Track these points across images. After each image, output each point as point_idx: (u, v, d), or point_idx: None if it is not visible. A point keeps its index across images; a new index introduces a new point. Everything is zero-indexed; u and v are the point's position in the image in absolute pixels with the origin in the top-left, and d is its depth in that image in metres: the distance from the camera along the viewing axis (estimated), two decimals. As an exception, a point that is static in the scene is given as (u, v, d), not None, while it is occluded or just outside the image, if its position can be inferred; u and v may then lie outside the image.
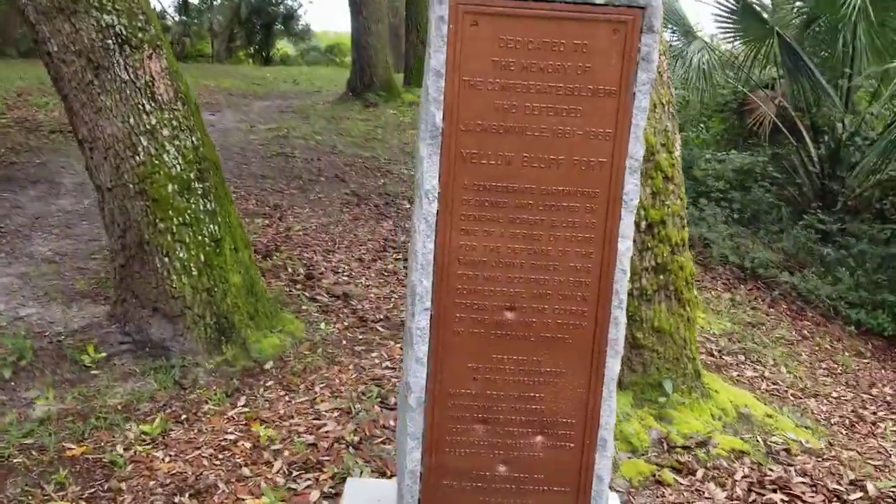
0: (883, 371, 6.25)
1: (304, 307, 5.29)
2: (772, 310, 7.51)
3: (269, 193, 8.20)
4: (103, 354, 4.24)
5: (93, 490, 3.28)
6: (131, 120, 4.24)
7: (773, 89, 10.72)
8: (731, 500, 3.55)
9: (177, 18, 28.15)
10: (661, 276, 4.17)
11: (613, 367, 2.12)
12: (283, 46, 30.37)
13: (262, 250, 6.39)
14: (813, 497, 3.64)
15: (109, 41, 4.16)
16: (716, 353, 5.49)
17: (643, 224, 4.09)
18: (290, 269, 6.03)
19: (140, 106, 4.26)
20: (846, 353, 6.55)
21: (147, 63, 4.28)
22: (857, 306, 7.65)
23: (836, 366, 5.99)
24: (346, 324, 5.11)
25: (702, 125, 11.13)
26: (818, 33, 9.63)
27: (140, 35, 4.26)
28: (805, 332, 6.99)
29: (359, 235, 7.10)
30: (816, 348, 6.51)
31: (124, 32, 4.19)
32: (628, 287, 4.12)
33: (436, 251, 2.04)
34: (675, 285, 4.22)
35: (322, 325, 5.02)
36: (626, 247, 2.05)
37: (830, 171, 9.36)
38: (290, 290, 5.61)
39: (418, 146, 2.01)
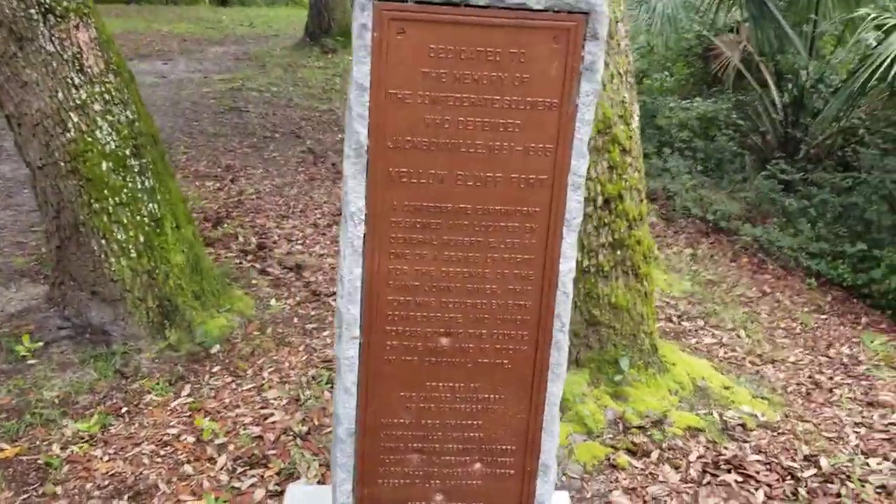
0: (841, 328, 6.27)
1: (254, 281, 5.13)
2: (733, 264, 7.49)
3: (221, 153, 7.92)
4: (40, 344, 4.05)
5: (27, 495, 3.15)
6: (59, 94, 3.98)
7: (738, 33, 10.55)
8: (685, 483, 3.52)
9: (127, -44, 27.00)
10: (619, 252, 4.06)
11: (555, 391, 2.00)
12: (240, -16, 29.31)
13: (213, 217, 6.18)
14: (767, 476, 3.62)
15: (32, 10, 3.87)
16: (675, 318, 5.44)
17: (599, 199, 3.96)
18: (241, 239, 5.83)
19: (68, 79, 3.99)
20: (805, 309, 6.56)
21: (74, 33, 4.00)
22: (818, 257, 7.67)
23: (794, 325, 5.99)
24: (297, 299, 4.96)
25: (666, 72, 10.93)
26: (783, -22, 9.42)
27: (65, 3, 3.96)
28: (766, 287, 6.98)
29: (314, 198, 6.90)
30: (776, 305, 6.50)
31: (48, 1, 3.89)
32: (585, 264, 4.03)
33: (364, 276, 1.89)
34: (633, 260, 4.11)
35: (273, 302, 4.87)
36: (568, 268, 1.92)
37: (794, 119, 9.28)
38: (241, 263, 5.43)
39: (343, 164, 1.83)
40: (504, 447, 2.05)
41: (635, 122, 4.05)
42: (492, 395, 2.01)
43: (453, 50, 1.76)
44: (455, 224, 1.87)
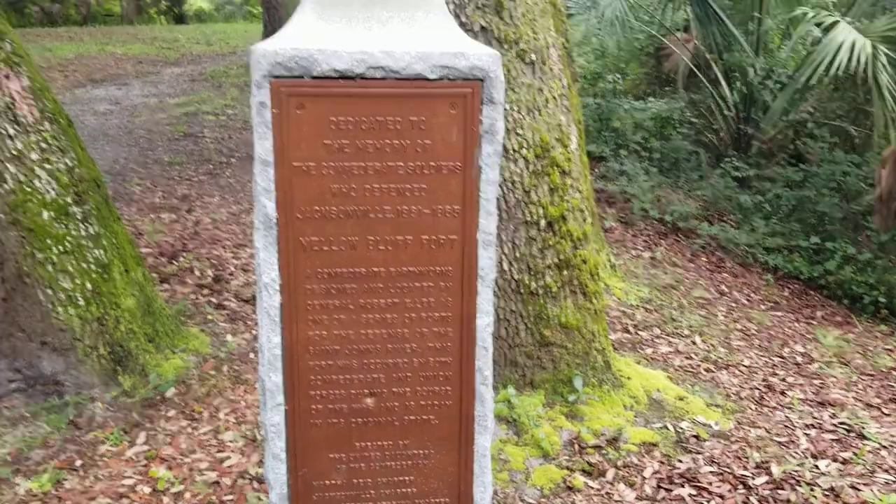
0: (796, 324, 6.38)
1: (210, 317, 5.11)
2: (692, 264, 7.58)
3: (177, 182, 7.88)
4: (-12, 400, 4.01)
5: (-21, 562, 3.12)
6: (-6, 146, 3.94)
7: (687, 32, 10.68)
8: (641, 500, 3.56)
9: (79, -23, 26.70)
10: (566, 272, 4.11)
11: (483, 443, 2.03)
12: (196, 1, 29.16)
13: (168, 252, 6.14)
14: (720, 486, 3.68)
15: (-41, 63, 3.84)
16: (631, 329, 5.50)
17: (542, 222, 4.00)
18: (197, 273, 5.81)
19: (2, 131, 3.95)
20: (762, 307, 6.66)
21: (5, 84, 3.97)
22: (774, 252, 7.80)
23: (750, 325, 6.08)
24: (254, 332, 4.95)
25: (619, 73, 11.03)
26: (727, -23, 9.55)
27: (-6, 54, 3.93)
28: (723, 286, 7.08)
29: (270, 224, 6.87)
30: (734, 305, 6.60)
31: (-25, 53, 3.86)
32: (533, 286, 4.07)
33: (283, 344, 1.90)
34: (580, 279, 4.16)
35: (229, 338, 4.85)
36: (485, 322, 1.95)
37: (745, 115, 9.41)
38: (197, 298, 5.40)
39: (253, 235, 1.85)
40: (437, 501, 2.08)
41: (573, 144, 4.10)
42: (421, 451, 2.03)
43: (353, 121, 1.78)
44: (370, 287, 1.90)
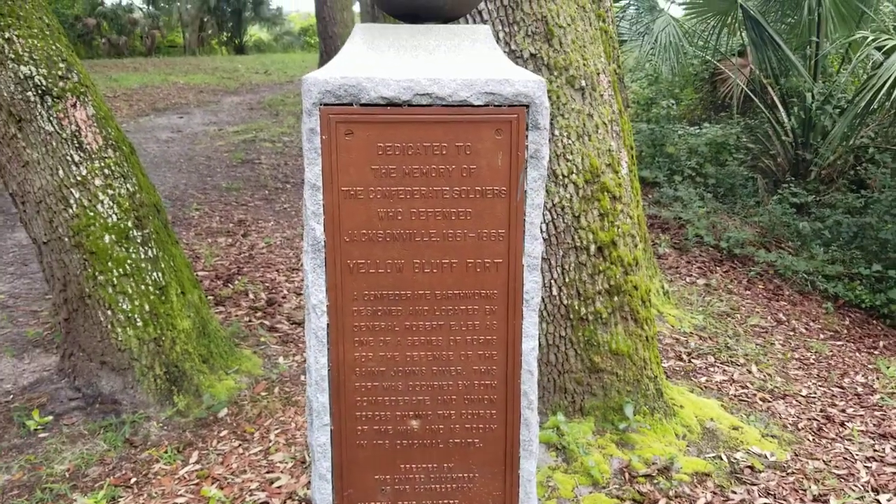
0: (857, 354, 6.19)
1: (262, 339, 5.20)
2: (748, 291, 7.44)
3: (233, 208, 8.06)
4: (49, 418, 4.14)
5: (37, 575, 3.20)
6: (60, 172, 4.10)
7: (742, 56, 10.57)
8: (693, 531, 3.49)
9: (146, 10, 27.68)
10: (616, 298, 4.07)
11: (529, 468, 2.03)
12: (256, 32, 29.93)
13: (224, 275, 6.28)
14: (776, 519, 3.59)
15: (29, 93, 4.01)
16: (685, 356, 5.41)
17: (592, 247, 3.98)
18: (251, 296, 5.92)
19: (68, 157, 4.12)
20: (821, 336, 6.49)
21: (71, 112, 4.13)
22: (834, 280, 7.60)
23: (808, 354, 5.92)
24: (305, 355, 5.01)
25: (673, 99, 10.95)
26: (783, 1, 9.43)
27: (62, 84, 4.10)
28: (781, 315, 6.92)
29: (323, 249, 6.98)
30: (791, 333, 6.44)
31: (44, 83, 4.04)
32: (583, 312, 4.04)
33: (330, 365, 1.93)
34: (631, 306, 4.12)
35: (280, 360, 4.93)
36: (530, 346, 1.95)
37: (804, 140, 9.24)
38: (251, 320, 5.50)
39: (302, 258, 1.89)
40: (482, 524, 2.07)
41: (624, 170, 4.08)
42: (466, 475, 2.03)
43: (400, 147, 1.82)
44: (416, 310, 1.92)
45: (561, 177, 3.87)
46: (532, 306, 1.94)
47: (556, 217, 3.94)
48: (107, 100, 13.94)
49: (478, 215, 1.87)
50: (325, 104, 1.77)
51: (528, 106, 1.79)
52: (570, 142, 3.86)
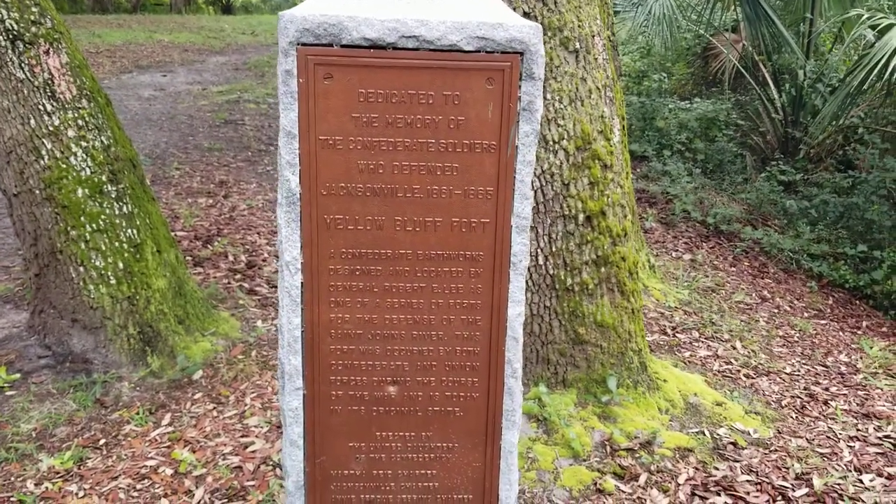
0: (840, 333, 6.16)
1: (241, 302, 5.08)
2: (733, 268, 7.39)
3: (215, 168, 7.88)
4: (17, 375, 4.02)
5: (-2, 536, 3.10)
6: (31, 121, 3.94)
7: (736, 32, 10.43)
8: (673, 507, 3.44)
9: (130, -34, 27.08)
10: (603, 269, 3.98)
11: (511, 438, 1.93)
12: (244, -8, 29.41)
13: (203, 236, 6.14)
14: (757, 497, 3.54)
15: (0, 37, 3.83)
16: (669, 331, 5.35)
17: (581, 217, 3.88)
18: (230, 257, 5.79)
19: (40, 106, 3.95)
20: (805, 315, 6.45)
21: (44, 59, 3.96)
22: (819, 259, 7.57)
23: (793, 332, 5.89)
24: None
25: (664, 72, 10.82)
26: (779, -24, 9.29)
27: (34, 29, 3.92)
28: (766, 292, 6.88)
29: (306, 212, 6.84)
30: (775, 311, 6.40)
31: (15, 27, 3.86)
32: (569, 282, 3.95)
33: (304, 326, 1.82)
34: (618, 277, 4.03)
35: (259, 323, 4.81)
36: (517, 312, 1.84)
37: (794, 118, 9.16)
38: (229, 282, 5.38)
39: (276, 212, 1.77)
40: (461, 496, 1.98)
41: (616, 137, 3.97)
42: (445, 444, 1.94)
43: (384, 94, 1.69)
44: (396, 270, 1.81)
45: (551, 142, 3.76)
46: (519, 270, 1.83)
47: (544, 184, 3.83)
48: (89, 56, 13.63)
49: (465, 171, 1.75)
50: (303, 44, 1.64)
51: (522, 53, 1.67)
52: (561, 106, 3.74)
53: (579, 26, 3.74)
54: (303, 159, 1.71)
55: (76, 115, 4.05)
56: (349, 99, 1.69)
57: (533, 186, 3.84)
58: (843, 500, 3.52)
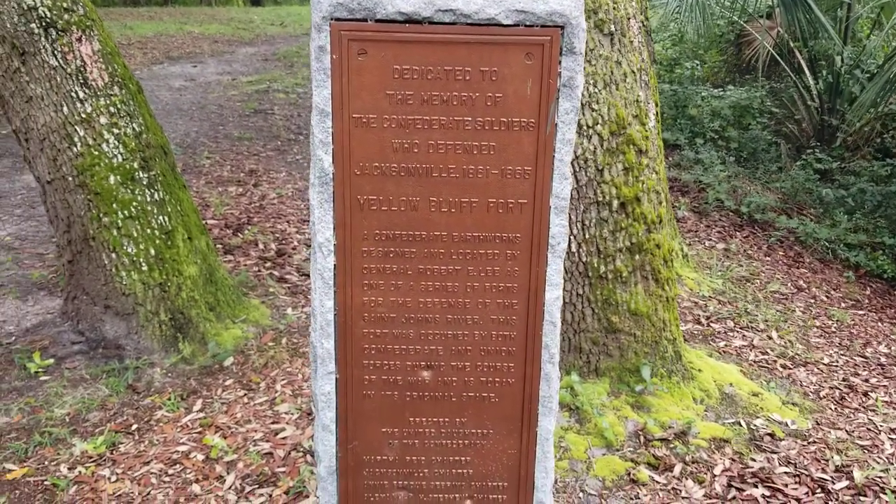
0: (879, 324, 6.02)
1: (271, 289, 5.08)
2: (768, 258, 7.25)
3: (245, 157, 7.90)
4: (51, 361, 4.05)
5: (33, 519, 3.12)
6: (64, 109, 3.95)
7: (770, 18, 10.24)
8: (710, 498, 3.37)
9: (160, -43, 27.23)
10: (637, 257, 3.91)
11: (547, 425, 1.89)
12: (273, -17, 29.42)
13: (234, 224, 6.15)
14: (796, 489, 3.46)
15: (33, 25, 3.84)
16: (703, 320, 5.26)
17: (615, 203, 3.81)
18: (260, 246, 5.79)
19: (73, 93, 3.96)
20: (842, 305, 6.32)
21: (77, 47, 3.97)
22: (856, 248, 7.41)
23: (830, 323, 5.76)
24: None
25: (697, 60, 10.65)
26: (816, -40, 9.07)
27: (66, 17, 3.93)
28: (801, 282, 6.74)
29: (335, 201, 6.83)
30: (812, 301, 6.27)
31: (48, 15, 3.87)
32: (602, 270, 3.89)
33: (336, 309, 1.79)
34: (653, 265, 3.96)
35: (289, 311, 4.81)
36: (554, 296, 1.79)
37: (830, 106, 8.96)
38: (259, 270, 5.38)
39: (309, 192, 1.74)
40: (495, 484, 1.94)
41: (652, 122, 3.89)
42: (480, 431, 1.90)
43: (419, 70, 1.64)
44: (431, 252, 1.77)
45: (585, 127, 3.69)
46: (558, 252, 1.78)
47: (577, 170, 3.77)
48: (121, 47, 13.73)
49: (502, 150, 1.70)
50: (337, 19, 1.60)
51: (562, 27, 1.61)
52: (596, 90, 3.67)
53: (614, 8, 3.66)
54: (336, 138, 1.68)
55: (108, 101, 4.05)
56: (384, 75, 1.65)
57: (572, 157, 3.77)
58: (884, 493, 3.43)
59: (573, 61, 1.64)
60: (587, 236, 3.84)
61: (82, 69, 3.98)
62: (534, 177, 1.72)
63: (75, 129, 3.97)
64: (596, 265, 3.87)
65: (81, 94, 3.98)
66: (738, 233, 7.67)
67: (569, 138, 1.68)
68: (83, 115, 3.98)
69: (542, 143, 1.69)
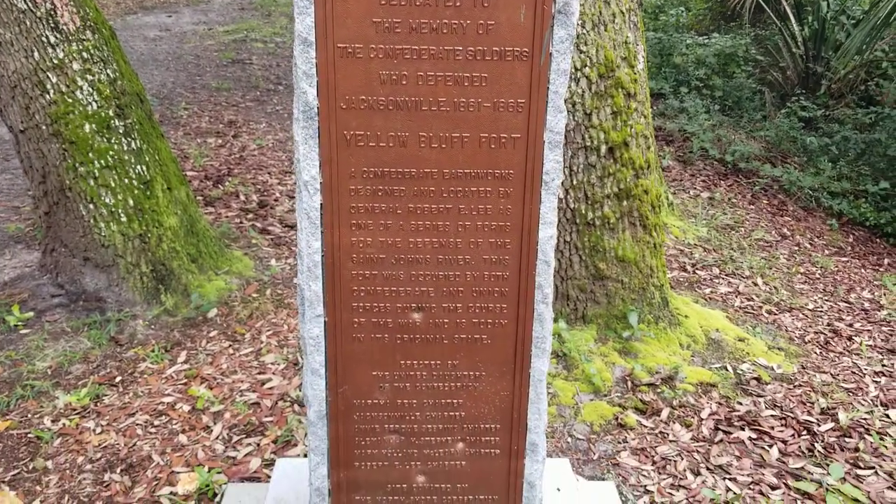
0: (862, 270, 6.05)
1: (254, 241, 5.00)
2: (752, 206, 7.25)
3: (223, 108, 7.74)
4: (31, 314, 3.97)
5: (17, 471, 3.08)
6: (35, 54, 3.81)
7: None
8: (697, 441, 3.39)
9: None
10: (625, 203, 3.87)
11: (540, 367, 1.85)
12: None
13: (214, 176, 6.04)
14: (782, 431, 3.49)
15: (-1, -35, 3.69)
16: (689, 267, 5.25)
17: (603, 148, 3.76)
18: (242, 197, 5.69)
19: (43, 38, 3.82)
20: (826, 252, 6.34)
21: (46, -12, 3.81)
22: (840, 196, 7.42)
23: (814, 269, 5.78)
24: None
25: (682, 7, 10.51)
26: None
27: (34, -44, 3.77)
28: (785, 229, 6.75)
29: (317, 151, 6.72)
30: (796, 248, 6.29)
31: (15, -45, 3.71)
32: (590, 216, 3.85)
33: (324, 250, 1.73)
34: (640, 211, 3.92)
35: (272, 262, 4.74)
36: (548, 234, 1.75)
37: (815, 53, 8.89)
38: (241, 222, 5.30)
39: (293, 127, 1.67)
40: (488, 426, 1.91)
41: (640, 64, 3.82)
42: (472, 373, 1.86)
43: (407, -4, 1.57)
44: (421, 190, 1.71)
45: (573, 70, 3.61)
46: (552, 189, 1.72)
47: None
48: (92, -4, 13.36)
49: (494, 81, 1.63)
50: (321, -60, 1.52)
51: (558, -50, 1.54)
52: (584, 31, 3.58)
53: (603, -54, 3.56)
54: (320, 69, 1.60)
55: (80, 47, 3.92)
56: (370, 2, 1.57)
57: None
58: (869, 434, 3.46)
59: (568, -14, 1.56)
60: (575, 182, 3.79)
61: (52, 12, 3.83)
62: (527, 110, 1.65)
63: (47, 76, 3.84)
64: (584, 211, 3.82)
65: (52, 39, 3.84)
66: (722, 181, 7.65)
67: (564, 69, 1.62)
68: (55, 61, 3.85)
69: (535, 74, 1.62)
